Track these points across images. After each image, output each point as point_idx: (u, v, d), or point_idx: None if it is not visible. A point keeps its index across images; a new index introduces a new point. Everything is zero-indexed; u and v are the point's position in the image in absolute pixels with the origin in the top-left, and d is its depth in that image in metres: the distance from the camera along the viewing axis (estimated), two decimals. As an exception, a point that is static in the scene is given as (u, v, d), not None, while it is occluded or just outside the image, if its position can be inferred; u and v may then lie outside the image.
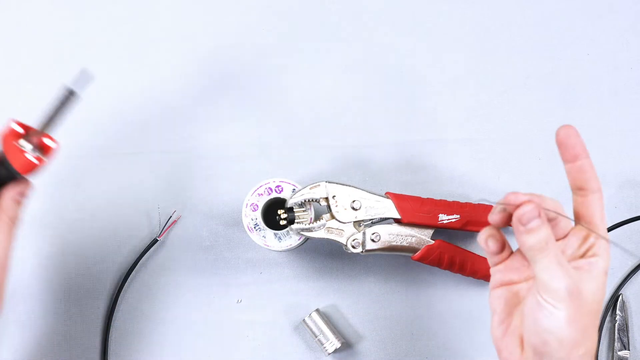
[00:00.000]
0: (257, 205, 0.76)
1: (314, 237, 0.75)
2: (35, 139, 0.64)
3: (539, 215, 0.56)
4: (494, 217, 0.59)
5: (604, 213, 0.60)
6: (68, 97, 0.63)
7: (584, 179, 0.60)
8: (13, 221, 0.65)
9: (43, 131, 0.64)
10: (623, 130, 0.84)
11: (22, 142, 0.64)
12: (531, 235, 0.56)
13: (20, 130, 0.64)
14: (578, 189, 0.61)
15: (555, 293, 0.56)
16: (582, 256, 0.59)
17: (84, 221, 0.83)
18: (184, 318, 0.81)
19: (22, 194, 0.66)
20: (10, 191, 0.65)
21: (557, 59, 0.85)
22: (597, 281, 0.58)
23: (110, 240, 0.82)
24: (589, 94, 0.84)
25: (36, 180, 0.83)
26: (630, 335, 0.80)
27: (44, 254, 0.82)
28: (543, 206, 0.57)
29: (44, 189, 0.83)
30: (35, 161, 0.64)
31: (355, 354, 0.81)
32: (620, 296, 0.80)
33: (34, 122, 0.65)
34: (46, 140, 0.65)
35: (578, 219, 0.61)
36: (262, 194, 0.76)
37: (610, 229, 0.80)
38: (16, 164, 0.64)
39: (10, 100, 0.85)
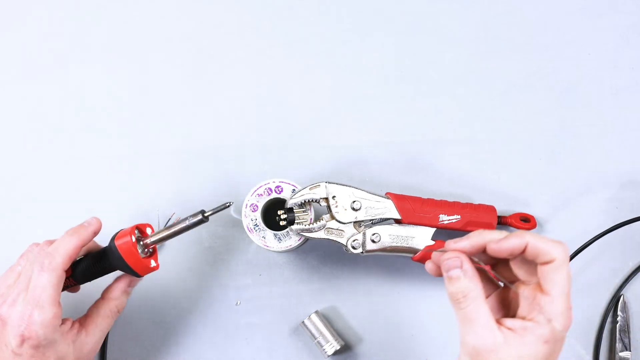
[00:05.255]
0: (257, 206, 0.76)
1: (313, 238, 0.75)
2: (148, 245, 0.68)
3: (461, 267, 0.58)
4: (429, 266, 0.63)
5: (565, 285, 0.57)
6: (200, 221, 0.66)
7: (534, 255, 0.58)
8: (119, 310, 0.70)
9: (159, 241, 0.68)
10: (623, 130, 0.84)
11: (138, 246, 0.67)
12: (451, 284, 0.58)
13: (136, 236, 0.68)
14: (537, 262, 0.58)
15: (464, 346, 0.57)
16: (524, 317, 0.58)
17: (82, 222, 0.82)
18: (182, 320, 0.81)
19: (131, 285, 0.70)
20: (121, 283, 0.69)
21: (558, 59, 0.85)
22: (531, 348, 0.56)
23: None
24: (589, 94, 0.84)
25: (35, 181, 0.83)
26: (631, 336, 0.80)
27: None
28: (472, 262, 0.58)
29: (43, 190, 0.83)
30: (155, 264, 0.68)
31: (355, 355, 0.80)
32: (622, 297, 0.80)
33: (155, 225, 0.71)
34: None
35: (537, 284, 0.59)
36: (261, 195, 0.76)
37: (611, 230, 0.80)
38: (137, 267, 0.67)
39: (10, 100, 0.85)
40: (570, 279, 0.57)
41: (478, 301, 0.57)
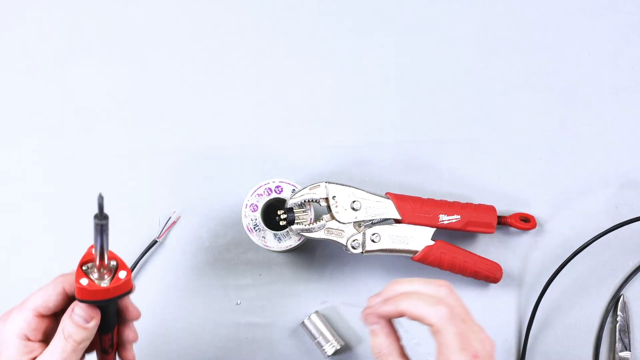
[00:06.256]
0: (257, 206, 0.76)
1: (313, 238, 0.75)
2: (101, 269, 0.64)
3: (377, 324, 0.60)
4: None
5: (452, 346, 0.57)
6: (98, 224, 0.61)
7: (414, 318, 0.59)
8: (66, 336, 0.62)
9: (102, 261, 0.64)
10: (623, 130, 0.84)
11: (96, 281, 0.63)
12: (371, 338, 0.61)
13: (85, 283, 0.62)
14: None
15: None
16: None
17: (83, 222, 0.82)
18: (182, 320, 0.81)
19: (81, 316, 0.62)
20: (71, 311, 0.62)
21: (558, 59, 0.85)
22: None
23: (109, 241, 0.82)
24: (589, 94, 0.84)
25: (35, 181, 0.83)
26: (631, 336, 0.80)
27: (45, 254, 0.82)
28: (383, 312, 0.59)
29: (43, 190, 0.83)
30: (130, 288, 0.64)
31: (355, 356, 0.80)
32: (622, 297, 0.80)
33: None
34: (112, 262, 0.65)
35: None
36: (261, 195, 0.76)
37: (611, 230, 0.80)
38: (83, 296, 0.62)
39: (10, 100, 0.85)
40: (461, 335, 0.57)
41: (392, 357, 0.60)
